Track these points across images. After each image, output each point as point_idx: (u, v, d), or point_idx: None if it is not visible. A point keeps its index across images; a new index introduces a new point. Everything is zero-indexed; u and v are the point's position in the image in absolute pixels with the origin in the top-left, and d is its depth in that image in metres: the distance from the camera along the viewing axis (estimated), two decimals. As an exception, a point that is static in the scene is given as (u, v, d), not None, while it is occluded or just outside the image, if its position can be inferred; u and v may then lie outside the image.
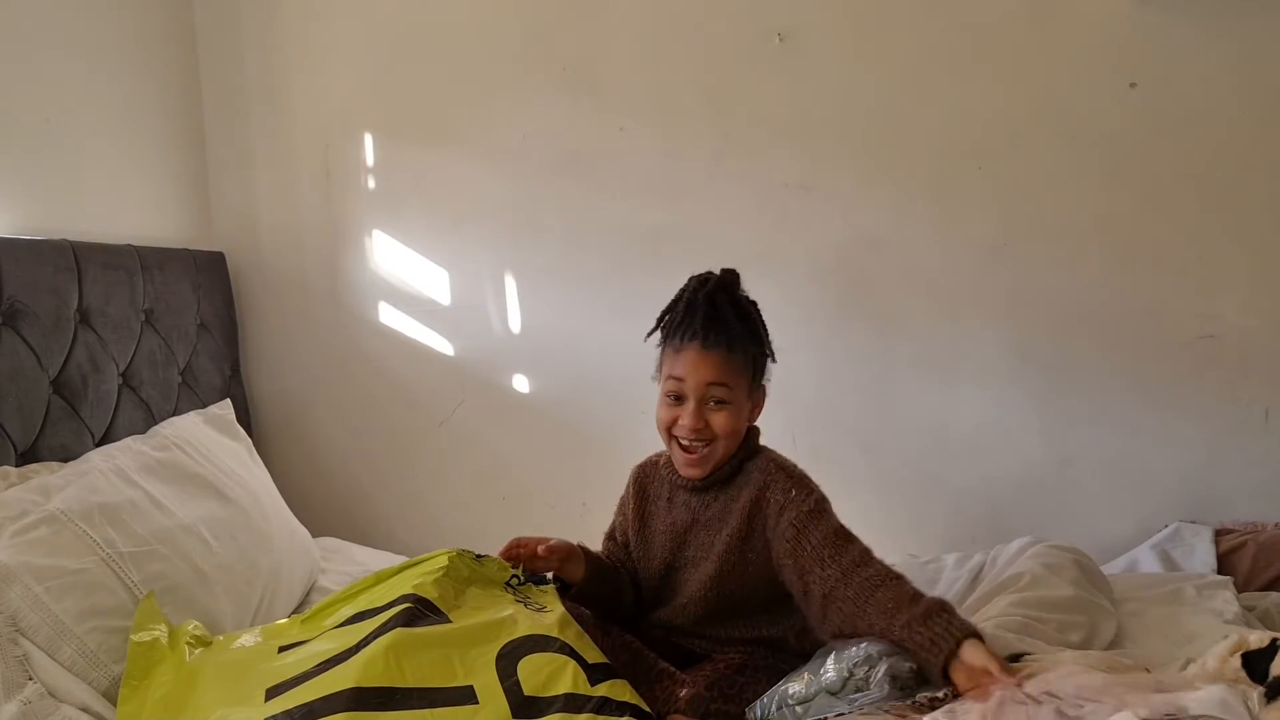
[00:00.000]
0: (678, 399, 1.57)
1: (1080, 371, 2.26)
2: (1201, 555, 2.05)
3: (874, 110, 2.31)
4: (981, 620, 1.61)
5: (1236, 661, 1.25)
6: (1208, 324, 2.19)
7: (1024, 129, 2.24)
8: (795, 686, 1.41)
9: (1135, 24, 2.15)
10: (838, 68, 2.32)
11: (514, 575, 1.55)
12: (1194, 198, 2.18)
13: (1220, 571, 1.98)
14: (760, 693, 1.46)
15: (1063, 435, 2.27)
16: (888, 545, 2.21)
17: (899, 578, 1.45)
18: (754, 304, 1.62)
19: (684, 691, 1.46)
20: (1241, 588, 1.92)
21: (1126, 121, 2.19)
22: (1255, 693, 1.11)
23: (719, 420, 1.55)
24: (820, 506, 1.55)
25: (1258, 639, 1.26)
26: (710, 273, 1.62)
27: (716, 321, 1.55)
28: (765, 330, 1.62)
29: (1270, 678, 1.17)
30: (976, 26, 2.24)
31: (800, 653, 1.57)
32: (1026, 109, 2.23)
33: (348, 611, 1.43)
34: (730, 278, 1.61)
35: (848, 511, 2.36)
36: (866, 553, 1.51)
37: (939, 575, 1.99)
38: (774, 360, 1.64)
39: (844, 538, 1.52)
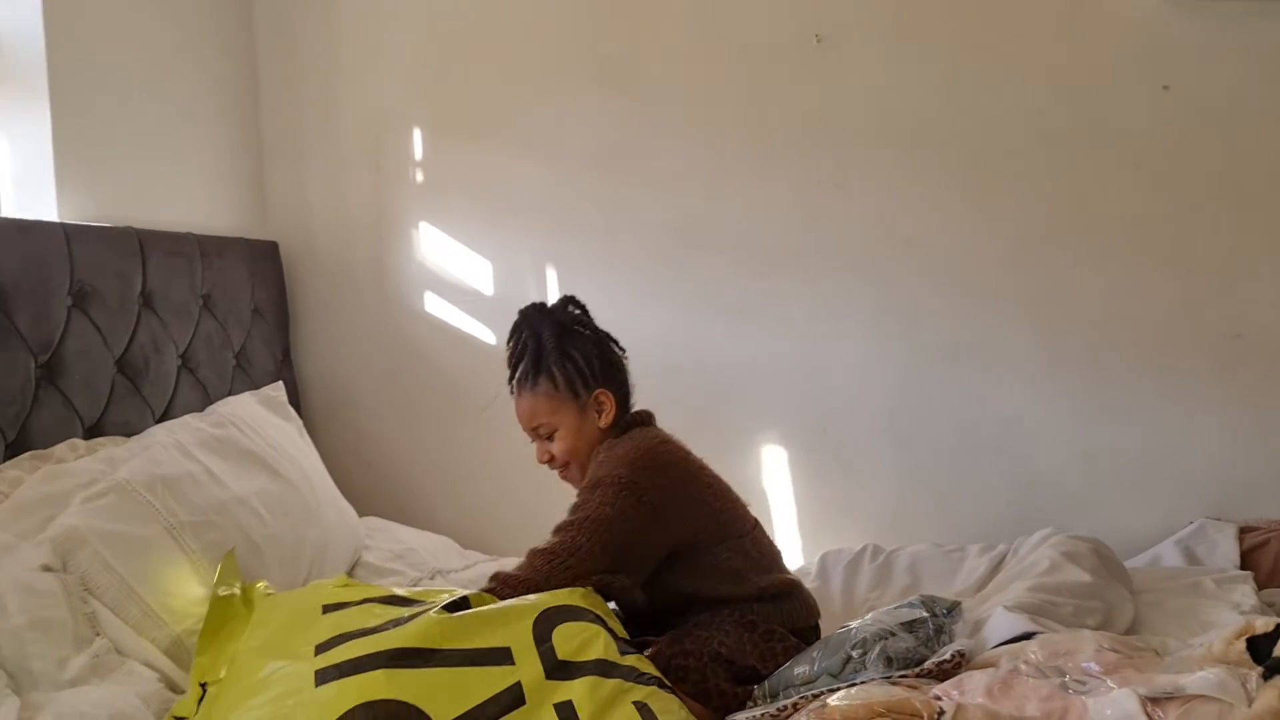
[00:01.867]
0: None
1: (1109, 368, 2.29)
2: (1225, 552, 2.08)
3: (909, 110, 2.36)
4: (999, 603, 1.66)
5: (1241, 645, 1.29)
6: (1236, 324, 2.22)
7: (1057, 130, 2.28)
8: (800, 668, 1.48)
9: (1169, 27, 2.19)
10: (874, 68, 2.37)
11: None
12: (1224, 199, 2.21)
13: (1243, 569, 2.02)
14: (727, 639, 1.55)
15: (1090, 431, 2.31)
16: (915, 534, 2.28)
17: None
18: (566, 320, 1.74)
19: (648, 651, 1.55)
20: (1263, 584, 1.95)
21: (1159, 123, 2.23)
22: (1254, 674, 1.15)
23: (557, 447, 1.73)
24: (586, 506, 1.60)
25: (1264, 624, 1.31)
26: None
27: (516, 366, 1.74)
28: (582, 338, 1.73)
29: (1271, 659, 1.21)
30: (1011, 28, 2.29)
31: (756, 597, 1.63)
32: (1060, 110, 2.28)
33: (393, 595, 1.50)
34: (527, 312, 1.75)
35: (877, 502, 2.43)
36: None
37: (961, 564, 2.05)
38: (621, 352, 1.77)
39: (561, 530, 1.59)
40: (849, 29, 2.37)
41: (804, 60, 2.40)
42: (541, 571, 1.54)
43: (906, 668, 1.35)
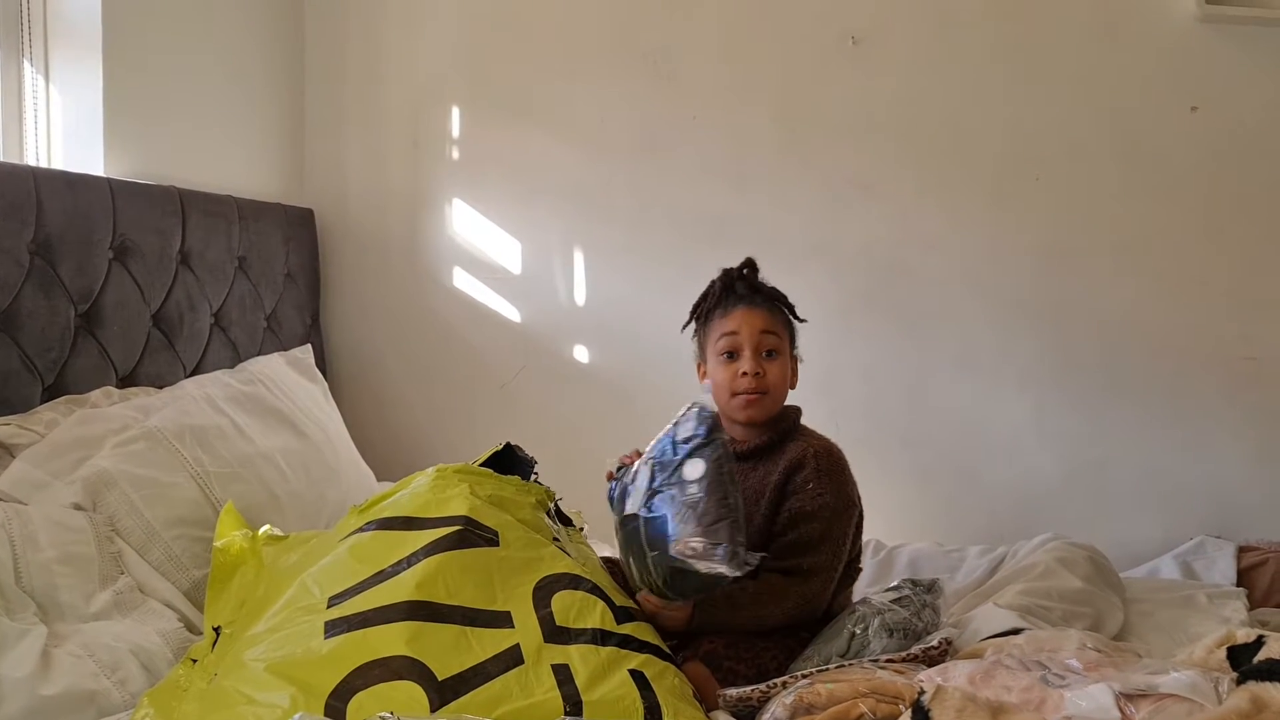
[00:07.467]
0: (732, 355, 1.68)
1: (1120, 382, 2.33)
2: (1222, 569, 2.11)
3: (938, 116, 2.40)
4: (991, 605, 1.70)
5: (1221, 653, 1.33)
6: (1250, 346, 2.24)
7: (1084, 144, 2.31)
8: (813, 651, 1.52)
9: (1200, 49, 2.21)
10: (907, 73, 2.41)
11: (554, 503, 1.67)
12: (1247, 221, 2.24)
13: (1239, 587, 2.04)
14: (779, 660, 1.55)
15: (1098, 442, 2.35)
16: (919, 534, 2.32)
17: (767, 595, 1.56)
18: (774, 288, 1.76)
19: (703, 645, 1.56)
20: (1258, 603, 1.98)
21: (1185, 143, 2.26)
22: (1227, 678, 1.19)
23: (773, 370, 1.67)
24: (826, 513, 1.62)
25: (1245, 634, 1.34)
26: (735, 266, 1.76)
27: (754, 289, 1.72)
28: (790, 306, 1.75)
29: (1246, 665, 1.25)
30: (1044, 42, 2.32)
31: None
32: (1088, 125, 2.30)
33: (401, 510, 1.53)
34: (752, 265, 1.75)
35: (885, 501, 2.47)
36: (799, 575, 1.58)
37: (961, 563, 2.08)
38: (800, 320, 1.76)
39: (806, 550, 1.60)
40: (885, 33, 2.41)
41: (839, 61, 2.44)
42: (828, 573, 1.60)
43: (907, 636, 1.40)
